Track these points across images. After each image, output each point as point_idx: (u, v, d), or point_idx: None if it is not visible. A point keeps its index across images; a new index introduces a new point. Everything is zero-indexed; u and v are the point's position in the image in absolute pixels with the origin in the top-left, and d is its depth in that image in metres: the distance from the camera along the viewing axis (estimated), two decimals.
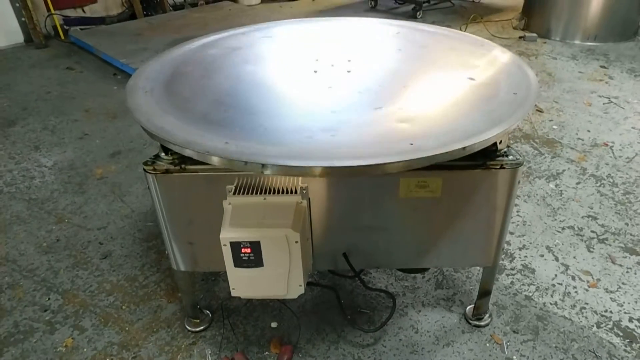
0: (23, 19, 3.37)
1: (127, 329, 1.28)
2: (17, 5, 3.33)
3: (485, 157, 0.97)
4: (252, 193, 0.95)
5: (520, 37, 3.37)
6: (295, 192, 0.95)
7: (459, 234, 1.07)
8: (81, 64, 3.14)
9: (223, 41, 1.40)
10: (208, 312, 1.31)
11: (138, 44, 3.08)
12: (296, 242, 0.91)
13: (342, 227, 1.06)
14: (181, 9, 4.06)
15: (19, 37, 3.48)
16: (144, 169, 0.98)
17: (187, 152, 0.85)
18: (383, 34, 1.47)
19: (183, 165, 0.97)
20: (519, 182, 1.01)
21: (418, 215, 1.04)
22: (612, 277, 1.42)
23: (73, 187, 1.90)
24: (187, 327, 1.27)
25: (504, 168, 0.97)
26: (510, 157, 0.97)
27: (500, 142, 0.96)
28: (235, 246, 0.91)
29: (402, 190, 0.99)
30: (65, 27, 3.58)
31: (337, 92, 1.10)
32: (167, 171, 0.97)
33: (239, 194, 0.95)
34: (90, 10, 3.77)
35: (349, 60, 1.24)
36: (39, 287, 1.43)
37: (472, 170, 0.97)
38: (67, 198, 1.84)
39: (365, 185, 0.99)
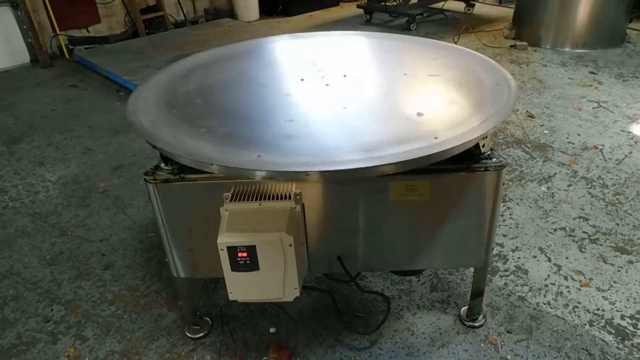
0: (29, 39, 3.50)
1: (128, 337, 1.31)
2: (25, 27, 3.47)
3: (470, 160, 1.01)
4: (248, 199, 0.99)
5: (511, 46, 3.47)
6: (289, 198, 0.99)
7: (449, 235, 1.10)
8: (85, 82, 3.24)
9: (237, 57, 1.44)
10: (208, 319, 1.33)
11: (140, 61, 3.19)
12: (290, 245, 0.95)
13: (335, 231, 1.10)
14: (182, 27, 4.21)
15: (25, 58, 3.60)
16: (145, 179, 1.03)
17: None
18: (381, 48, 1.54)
19: (182, 175, 1.02)
20: (503, 183, 1.05)
21: (409, 218, 1.08)
22: (604, 276, 1.44)
23: (76, 201, 1.95)
24: (187, 334, 1.30)
25: (488, 170, 1.01)
26: (494, 160, 1.02)
27: (484, 145, 1.01)
28: (232, 250, 0.95)
29: (392, 193, 1.03)
30: (70, 46, 3.71)
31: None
32: (167, 180, 1.02)
33: (235, 200, 0.99)
34: (95, 30, 3.91)
35: (345, 75, 1.30)
36: (42, 298, 1.46)
37: (457, 173, 1.02)
38: (71, 211, 1.88)
39: (357, 189, 1.04)
